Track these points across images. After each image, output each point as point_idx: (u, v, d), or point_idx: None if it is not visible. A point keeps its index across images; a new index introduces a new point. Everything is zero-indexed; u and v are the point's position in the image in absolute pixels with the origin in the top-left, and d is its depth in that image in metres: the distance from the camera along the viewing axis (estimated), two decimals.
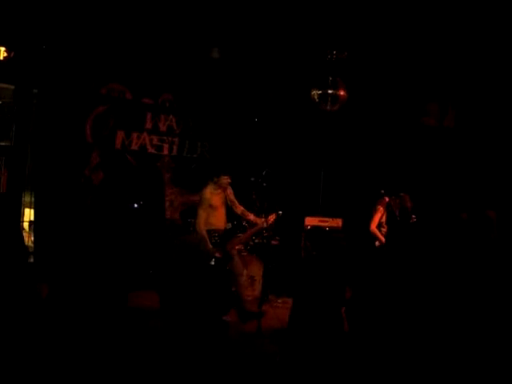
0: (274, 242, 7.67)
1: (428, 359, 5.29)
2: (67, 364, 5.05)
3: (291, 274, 6.51)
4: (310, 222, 7.76)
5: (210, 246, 6.70)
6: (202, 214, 6.80)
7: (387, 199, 7.52)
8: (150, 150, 8.31)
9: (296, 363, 5.34)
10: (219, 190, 6.91)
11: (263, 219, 6.96)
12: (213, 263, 6.71)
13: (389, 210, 7.57)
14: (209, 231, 6.79)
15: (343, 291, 5.91)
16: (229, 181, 6.94)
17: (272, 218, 6.88)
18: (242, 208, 7.10)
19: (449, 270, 6.94)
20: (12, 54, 6.89)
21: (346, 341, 5.86)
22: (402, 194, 7.48)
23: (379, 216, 7.55)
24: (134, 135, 8.12)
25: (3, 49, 6.84)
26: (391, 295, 6.65)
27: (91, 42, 7.46)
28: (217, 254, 6.68)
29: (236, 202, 7.06)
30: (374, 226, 7.49)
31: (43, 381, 4.71)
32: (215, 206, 6.86)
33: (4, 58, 6.84)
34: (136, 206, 7.96)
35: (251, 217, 7.10)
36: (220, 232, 6.85)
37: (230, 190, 7.02)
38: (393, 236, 7.37)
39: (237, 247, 7.45)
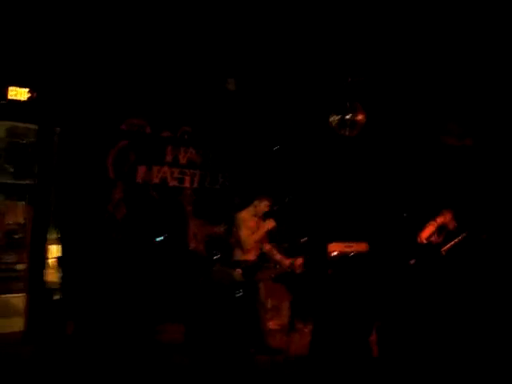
0: (298, 270, 7.60)
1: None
2: None
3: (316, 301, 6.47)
4: (335, 247, 7.66)
5: (237, 277, 6.69)
6: (245, 232, 6.75)
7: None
8: (172, 183, 8.34)
9: None
10: (255, 217, 6.90)
11: (290, 261, 6.99)
12: (239, 295, 6.70)
13: None
14: (237, 262, 6.78)
15: (372, 317, 5.86)
16: (267, 207, 6.93)
17: (299, 261, 6.92)
18: (270, 246, 7.11)
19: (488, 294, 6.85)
20: (35, 95, 7.02)
21: (374, 366, 5.78)
22: None
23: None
24: (155, 169, 8.18)
25: (27, 90, 6.97)
26: (423, 318, 6.57)
27: (110, 79, 7.58)
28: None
29: (266, 237, 7.05)
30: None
31: None
32: (250, 232, 6.82)
33: (27, 98, 6.97)
34: (160, 239, 7.97)
35: (278, 257, 7.13)
36: (249, 263, 6.84)
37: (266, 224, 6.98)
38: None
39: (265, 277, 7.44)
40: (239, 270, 6.76)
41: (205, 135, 8.66)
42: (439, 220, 7.55)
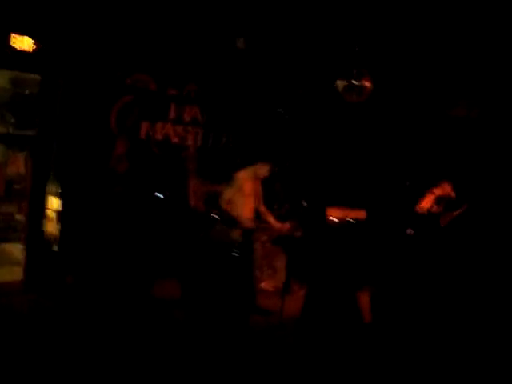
0: (297, 234, 7.65)
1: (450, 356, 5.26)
2: (89, 352, 5.13)
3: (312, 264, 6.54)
4: (333, 213, 7.68)
5: (235, 236, 6.72)
6: (228, 195, 6.75)
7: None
8: (174, 140, 8.31)
9: (311, 352, 5.36)
10: (254, 179, 6.88)
11: (281, 225, 7.01)
12: (236, 254, 6.76)
13: None
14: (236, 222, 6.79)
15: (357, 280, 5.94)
16: (267, 172, 6.91)
17: (288, 226, 6.96)
18: (264, 208, 7.10)
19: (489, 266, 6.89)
20: (39, 45, 6.93)
21: (365, 331, 5.86)
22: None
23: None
24: (159, 125, 8.13)
25: (31, 39, 6.88)
26: (417, 287, 6.63)
27: (117, 32, 7.47)
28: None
29: (261, 199, 7.04)
30: None
31: (66, 365, 4.80)
32: (246, 193, 6.81)
33: (32, 48, 6.88)
34: (160, 195, 7.99)
35: (271, 219, 7.12)
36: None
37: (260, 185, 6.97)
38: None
39: (262, 239, 7.50)
40: (238, 230, 6.78)
41: (211, 94, 8.57)
42: (437, 192, 7.54)
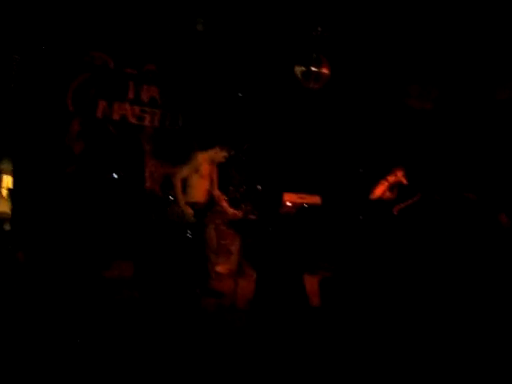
0: (252, 217, 7.71)
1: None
2: (36, 330, 5.12)
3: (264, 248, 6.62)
4: (289, 197, 7.77)
5: (189, 217, 6.72)
6: (183, 173, 6.72)
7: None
8: (131, 120, 8.26)
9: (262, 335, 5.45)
10: (211, 162, 6.86)
11: (233, 210, 7.04)
12: (189, 236, 6.77)
13: None
14: (188, 204, 6.78)
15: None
16: (223, 158, 6.90)
17: (239, 213, 7.00)
18: (219, 192, 7.10)
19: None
20: None
21: (311, 314, 5.97)
22: None
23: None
24: (116, 105, 8.07)
25: None
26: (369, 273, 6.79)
27: (75, 7, 7.36)
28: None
29: (216, 184, 7.04)
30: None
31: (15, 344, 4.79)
32: (202, 174, 6.79)
33: None
34: (116, 175, 7.94)
35: (224, 204, 7.12)
36: (200, 205, 6.86)
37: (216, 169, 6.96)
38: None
39: (216, 221, 7.54)
40: (191, 211, 6.77)
41: (170, 75, 8.53)
42: (390, 179, 7.71)
